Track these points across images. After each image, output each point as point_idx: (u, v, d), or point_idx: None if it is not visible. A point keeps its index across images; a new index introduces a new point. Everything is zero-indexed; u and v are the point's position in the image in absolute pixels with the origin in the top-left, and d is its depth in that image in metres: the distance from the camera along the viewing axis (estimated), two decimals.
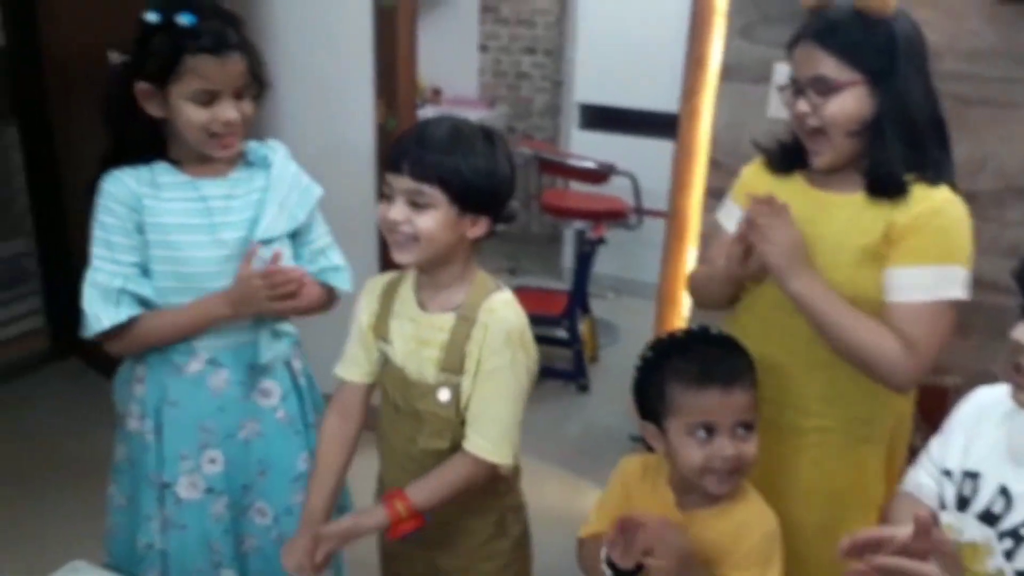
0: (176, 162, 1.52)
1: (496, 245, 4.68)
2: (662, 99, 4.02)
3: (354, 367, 1.50)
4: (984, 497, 1.16)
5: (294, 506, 1.66)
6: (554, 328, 3.58)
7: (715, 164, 2.46)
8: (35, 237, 3.44)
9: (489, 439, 1.36)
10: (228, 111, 1.45)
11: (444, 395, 1.37)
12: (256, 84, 1.50)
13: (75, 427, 2.96)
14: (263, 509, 1.67)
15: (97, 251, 1.48)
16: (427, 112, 5.04)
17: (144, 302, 1.50)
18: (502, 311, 1.37)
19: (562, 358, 3.65)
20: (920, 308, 1.36)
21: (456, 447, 1.39)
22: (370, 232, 2.64)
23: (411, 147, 1.29)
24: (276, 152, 1.62)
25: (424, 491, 1.37)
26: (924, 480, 1.28)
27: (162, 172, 1.51)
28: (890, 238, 1.38)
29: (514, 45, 5.46)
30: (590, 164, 3.97)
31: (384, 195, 1.34)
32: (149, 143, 1.50)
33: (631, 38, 4.34)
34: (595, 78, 4.60)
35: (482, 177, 1.30)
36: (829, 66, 1.36)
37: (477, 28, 5.45)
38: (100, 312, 1.46)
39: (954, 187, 1.41)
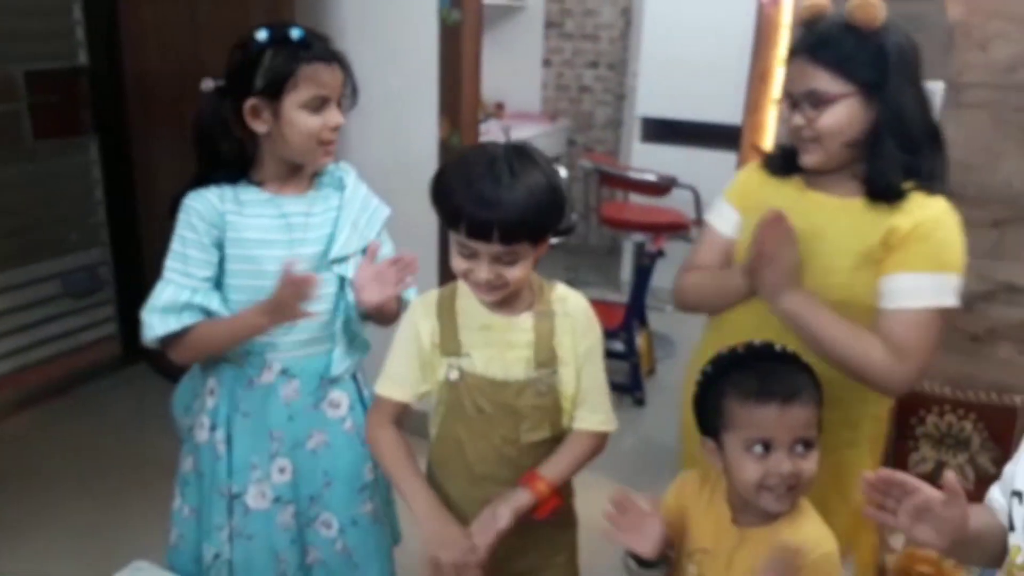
0: (258, 183, 1.58)
1: (555, 257, 4.71)
2: (724, 112, 4.02)
3: (402, 387, 1.47)
4: None
5: (359, 517, 1.70)
6: (611, 341, 3.57)
7: None
8: (111, 247, 3.57)
9: (602, 411, 1.46)
10: (337, 116, 1.54)
11: (542, 387, 1.41)
12: (351, 94, 1.59)
13: (144, 431, 3.05)
14: (328, 520, 1.69)
15: (171, 263, 1.54)
16: (489, 127, 5.11)
17: (209, 314, 1.54)
18: (573, 298, 1.46)
19: (619, 371, 3.63)
20: (915, 315, 1.39)
21: (556, 433, 1.44)
22: (431, 247, 2.70)
23: (486, 211, 1.26)
24: (349, 174, 1.69)
25: (555, 469, 1.44)
26: (996, 496, 1.24)
27: (245, 191, 1.57)
28: (889, 244, 1.40)
29: (577, 59, 5.49)
30: (651, 177, 3.97)
31: (458, 249, 1.33)
32: (238, 163, 1.57)
33: (695, 52, 4.33)
34: (658, 91, 4.60)
35: (550, 202, 1.31)
36: (822, 80, 1.39)
37: (541, 43, 5.51)
38: (156, 321, 1.51)
39: (949, 196, 1.43)
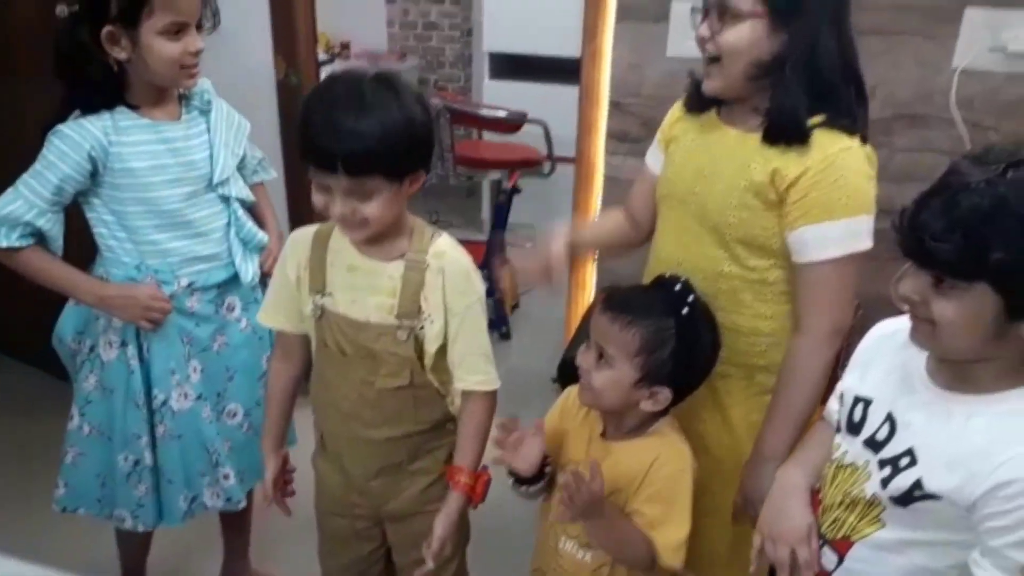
0: (133, 107, 1.60)
1: (416, 198, 4.62)
2: (569, 45, 4.03)
3: (281, 318, 1.52)
4: (872, 423, 1.18)
5: (261, 399, 1.81)
6: None
7: (616, 106, 2.47)
8: None
9: (483, 371, 1.45)
10: (197, 41, 1.57)
11: (402, 334, 1.39)
12: (208, 17, 1.62)
13: None
14: (234, 410, 1.85)
15: (28, 179, 1.56)
16: (336, 67, 4.95)
17: (43, 237, 1.61)
18: (452, 252, 1.41)
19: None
20: (824, 268, 1.38)
21: (414, 383, 1.43)
22: (279, 188, 2.61)
23: (331, 141, 1.23)
24: (209, 92, 1.74)
25: (467, 451, 1.48)
26: (833, 406, 1.32)
27: (122, 117, 1.59)
28: (777, 186, 1.37)
29: None
30: (501, 114, 3.96)
31: (315, 185, 1.30)
32: (108, 89, 1.57)
33: None
34: (504, 26, 4.57)
35: (406, 137, 1.27)
36: None
37: None
38: None
39: (864, 139, 1.38)
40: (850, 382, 1.27)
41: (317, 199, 1.31)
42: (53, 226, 1.60)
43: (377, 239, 1.38)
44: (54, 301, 1.76)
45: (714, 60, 1.39)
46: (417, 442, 1.51)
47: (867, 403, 1.21)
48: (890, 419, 1.16)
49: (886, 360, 1.21)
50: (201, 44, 1.58)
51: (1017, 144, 1.00)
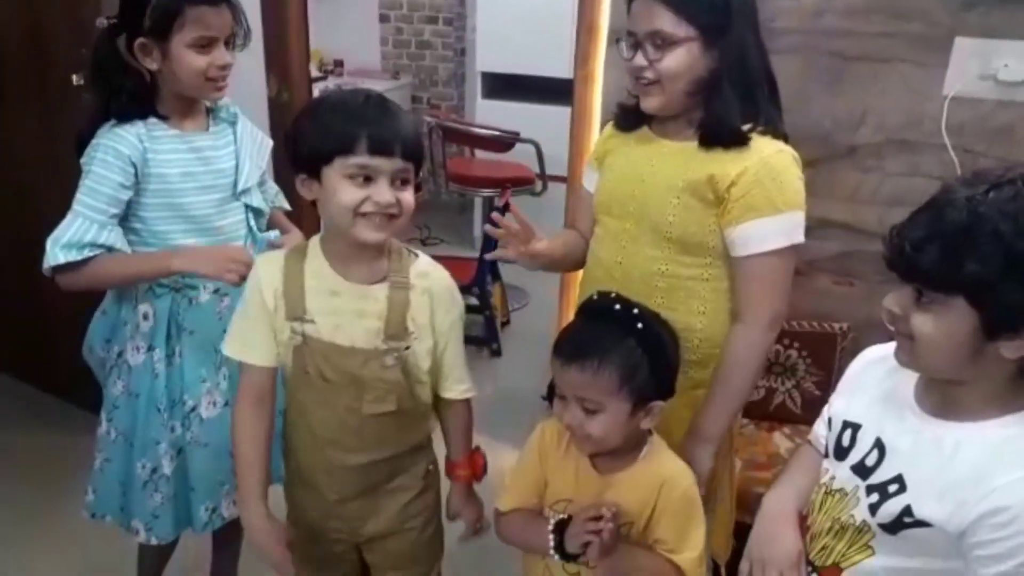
0: (164, 118, 1.65)
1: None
2: (561, 66, 4.06)
3: (257, 350, 1.43)
4: (861, 448, 1.18)
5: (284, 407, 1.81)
6: (466, 295, 3.57)
7: None
8: None
9: (467, 379, 1.53)
10: (224, 56, 1.62)
11: (389, 359, 1.38)
12: (240, 35, 1.66)
13: None
14: None
15: (83, 197, 1.59)
16: (330, 84, 4.96)
17: (111, 250, 1.61)
18: (435, 272, 1.45)
19: (475, 324, 3.67)
20: (772, 257, 1.45)
21: (401, 408, 1.42)
22: None
23: (390, 124, 1.29)
24: (236, 107, 1.80)
25: (460, 447, 1.58)
26: (820, 430, 1.32)
27: (154, 127, 1.64)
28: (716, 187, 1.44)
29: (415, 14, 5.40)
30: (494, 132, 3.98)
31: (348, 179, 1.29)
32: (141, 98, 1.63)
33: (529, 4, 4.34)
34: (497, 46, 4.59)
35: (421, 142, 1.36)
36: (666, 21, 1.39)
37: None
38: (58, 254, 1.57)
39: (786, 139, 1.47)
40: (838, 407, 1.27)
41: (352, 194, 1.28)
42: (118, 239, 1.61)
43: (357, 258, 1.37)
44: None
45: (652, 83, 1.45)
46: (397, 463, 1.50)
47: (856, 428, 1.21)
48: (879, 445, 1.16)
49: (875, 385, 1.21)
50: (229, 59, 1.63)
51: (1008, 167, 1.02)
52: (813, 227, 2.27)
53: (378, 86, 5.16)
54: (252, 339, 1.43)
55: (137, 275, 1.67)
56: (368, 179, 1.29)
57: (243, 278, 1.58)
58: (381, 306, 1.38)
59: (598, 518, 1.25)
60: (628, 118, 1.59)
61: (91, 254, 1.58)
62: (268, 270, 1.41)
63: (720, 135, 1.44)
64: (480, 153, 4.48)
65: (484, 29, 4.66)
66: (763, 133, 1.45)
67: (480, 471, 1.60)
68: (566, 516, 1.34)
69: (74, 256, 1.57)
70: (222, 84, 1.66)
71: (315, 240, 1.43)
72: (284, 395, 1.50)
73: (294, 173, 1.35)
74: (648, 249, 1.53)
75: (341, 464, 1.45)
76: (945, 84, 2.10)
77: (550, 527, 1.34)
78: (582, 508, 1.32)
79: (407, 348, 1.40)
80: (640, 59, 1.44)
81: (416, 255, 1.45)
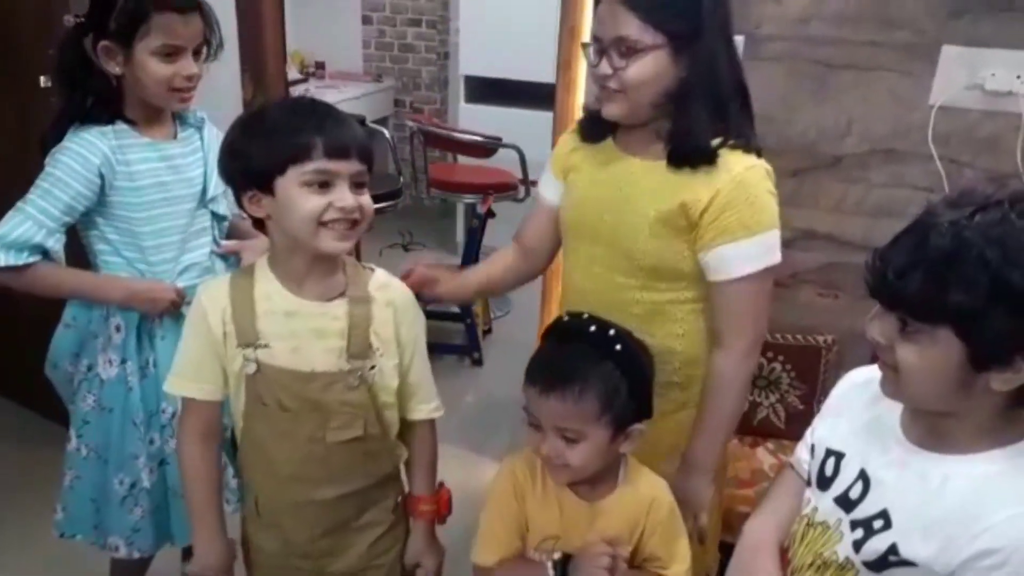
0: (132, 122, 1.62)
1: (390, 220, 4.59)
2: (543, 71, 4.02)
3: (204, 384, 1.35)
4: (844, 479, 1.13)
5: None
6: (447, 303, 3.55)
7: None
8: None
9: (434, 399, 1.47)
10: (190, 66, 1.57)
11: (353, 380, 1.32)
12: (210, 45, 1.62)
13: None
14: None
15: (35, 199, 1.54)
16: (309, 87, 4.90)
17: (47, 253, 1.57)
18: (395, 283, 1.41)
19: (456, 333, 3.63)
20: (749, 281, 1.40)
21: (368, 434, 1.35)
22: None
23: (343, 129, 1.25)
24: (202, 111, 1.77)
25: (424, 481, 1.50)
26: (803, 455, 1.27)
27: (123, 134, 1.60)
28: (688, 214, 1.38)
29: (397, 16, 5.35)
30: (476, 138, 3.93)
31: (307, 187, 1.22)
32: (108, 101, 1.59)
33: (513, 8, 4.30)
34: (480, 50, 4.56)
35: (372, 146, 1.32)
36: (632, 27, 1.31)
37: None
38: (1, 254, 1.53)
39: (759, 152, 1.41)
40: (821, 433, 1.22)
41: (314, 202, 1.21)
42: (58, 245, 1.58)
43: (311, 276, 1.30)
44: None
45: (616, 92, 1.38)
46: (366, 496, 1.43)
47: (839, 457, 1.16)
48: (863, 476, 1.11)
49: (860, 412, 1.16)
50: (195, 69, 1.58)
51: (997, 187, 0.97)
52: (797, 238, 2.29)
53: (360, 89, 5.14)
54: (198, 373, 1.34)
55: (82, 294, 1.66)
56: (325, 185, 1.22)
57: (175, 304, 1.63)
58: (342, 323, 1.31)
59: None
60: (593, 128, 1.52)
61: (32, 260, 1.55)
62: (212, 296, 1.33)
63: (688, 154, 1.37)
64: (463, 158, 4.43)
65: (467, 33, 4.62)
66: (733, 148, 1.38)
67: (446, 508, 1.51)
68: (560, 555, 1.29)
69: (13, 260, 1.53)
70: (187, 95, 1.62)
71: (261, 262, 1.35)
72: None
73: (239, 192, 1.28)
74: (621, 277, 1.48)
75: (307, 500, 1.38)
76: (932, 94, 2.07)
77: (550, 571, 1.28)
78: (585, 544, 1.28)
79: (372, 368, 1.33)
80: (605, 67, 1.36)
81: (373, 269, 1.39)
